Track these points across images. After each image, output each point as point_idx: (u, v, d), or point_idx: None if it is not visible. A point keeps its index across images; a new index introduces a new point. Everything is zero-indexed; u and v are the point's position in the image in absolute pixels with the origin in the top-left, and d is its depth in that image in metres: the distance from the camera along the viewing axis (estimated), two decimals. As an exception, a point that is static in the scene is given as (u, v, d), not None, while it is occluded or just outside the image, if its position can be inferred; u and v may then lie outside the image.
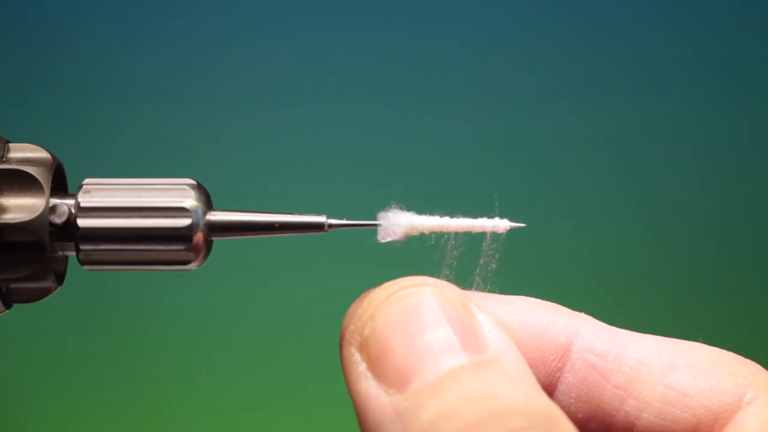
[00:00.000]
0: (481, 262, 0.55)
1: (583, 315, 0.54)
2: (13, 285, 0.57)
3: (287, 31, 1.73)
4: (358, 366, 0.45)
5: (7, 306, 0.58)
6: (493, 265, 0.55)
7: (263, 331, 1.71)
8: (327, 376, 1.70)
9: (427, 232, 0.58)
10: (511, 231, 0.57)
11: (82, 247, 0.56)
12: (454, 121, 1.72)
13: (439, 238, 0.57)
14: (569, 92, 1.73)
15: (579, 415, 0.52)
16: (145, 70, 1.72)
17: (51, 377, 1.69)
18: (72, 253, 0.57)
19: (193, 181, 0.58)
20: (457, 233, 0.56)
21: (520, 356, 0.46)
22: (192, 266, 0.57)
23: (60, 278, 0.58)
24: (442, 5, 1.74)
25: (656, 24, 1.74)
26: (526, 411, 0.41)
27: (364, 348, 0.45)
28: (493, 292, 0.54)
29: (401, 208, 0.58)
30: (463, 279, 0.55)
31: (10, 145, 0.58)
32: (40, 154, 0.58)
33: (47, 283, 0.57)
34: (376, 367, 0.44)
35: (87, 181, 0.57)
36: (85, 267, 0.57)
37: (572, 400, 0.52)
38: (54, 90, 1.71)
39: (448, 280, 0.53)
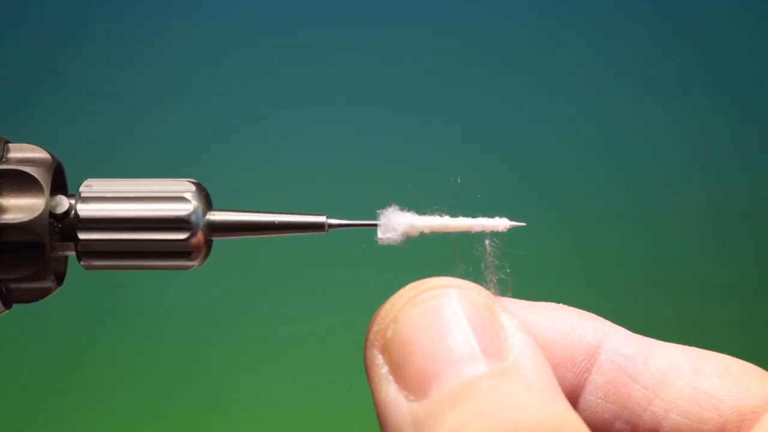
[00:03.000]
0: (489, 260, 0.55)
1: (610, 323, 0.55)
2: (13, 285, 0.57)
3: (287, 31, 1.73)
4: (380, 369, 0.45)
5: (7, 306, 0.58)
6: (496, 264, 0.55)
7: (263, 331, 1.71)
8: (327, 375, 1.70)
9: (427, 231, 0.58)
10: (511, 230, 0.57)
11: (81, 237, 0.56)
12: (454, 121, 1.72)
13: (444, 238, 0.57)
14: (569, 91, 1.73)
15: (606, 416, 0.52)
16: (145, 70, 1.72)
17: (51, 377, 1.69)
18: (72, 253, 0.57)
19: (192, 181, 0.58)
20: (491, 237, 0.55)
21: (542, 361, 0.46)
22: (192, 266, 0.57)
23: (60, 278, 0.58)
24: (441, 5, 1.74)
25: (655, 23, 1.74)
26: (541, 427, 0.41)
27: (386, 351, 0.45)
28: (505, 290, 0.54)
29: (401, 208, 0.58)
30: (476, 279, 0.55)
31: (10, 145, 0.58)
32: (40, 154, 0.58)
33: (47, 283, 0.57)
34: (397, 371, 0.44)
35: (86, 183, 0.57)
36: (83, 263, 0.57)
37: (599, 400, 0.52)
38: (54, 90, 1.71)
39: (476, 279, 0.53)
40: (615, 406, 0.52)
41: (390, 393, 0.44)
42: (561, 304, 0.54)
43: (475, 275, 0.54)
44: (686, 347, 0.54)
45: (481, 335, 0.45)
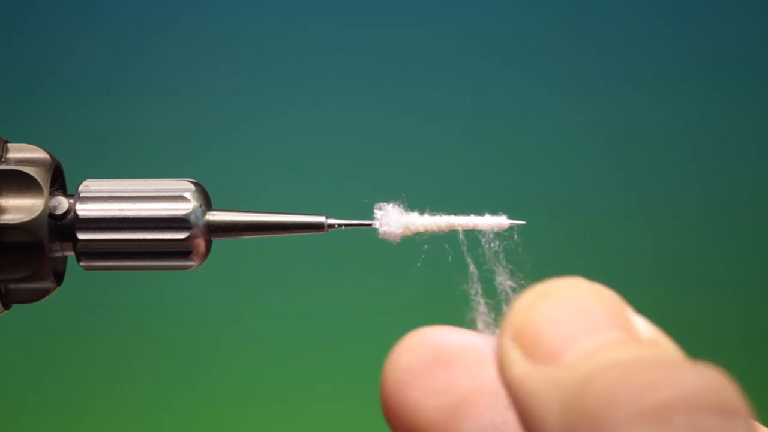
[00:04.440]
0: (500, 261, 0.54)
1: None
2: (11, 285, 0.57)
3: (287, 31, 1.73)
4: (512, 353, 0.43)
5: (6, 307, 0.58)
6: (505, 264, 0.54)
7: (263, 331, 1.71)
8: (327, 375, 1.70)
9: (425, 230, 0.57)
10: (510, 228, 0.57)
11: (80, 237, 0.56)
12: (453, 121, 1.72)
13: (444, 238, 0.57)
14: (568, 90, 1.73)
15: None
16: (145, 70, 1.72)
17: (50, 377, 1.69)
18: (71, 253, 0.57)
19: (192, 181, 0.58)
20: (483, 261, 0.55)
21: (676, 347, 0.44)
22: (191, 266, 0.57)
23: (59, 279, 0.58)
24: (440, 5, 1.74)
25: (654, 21, 1.73)
26: (695, 367, 0.38)
27: (518, 337, 0.43)
28: (520, 284, 0.54)
29: (400, 206, 0.58)
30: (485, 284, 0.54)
31: (9, 145, 0.58)
32: (39, 154, 0.57)
33: (46, 284, 0.57)
34: (531, 350, 0.42)
35: (85, 184, 0.57)
36: (82, 264, 0.57)
37: None
38: (54, 90, 1.71)
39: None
40: None
41: (524, 370, 0.42)
42: None
43: (476, 275, 0.54)
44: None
45: (614, 317, 0.43)
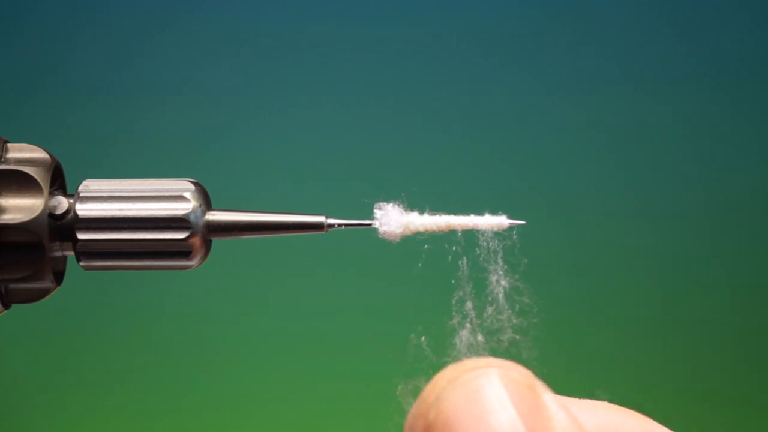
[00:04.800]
0: (492, 258, 0.54)
1: (653, 422, 0.54)
2: (12, 285, 0.57)
3: (287, 31, 1.73)
4: None
5: (6, 306, 0.58)
6: (501, 259, 0.54)
7: (263, 331, 1.71)
8: (327, 375, 1.70)
9: (425, 230, 0.57)
10: (509, 228, 0.57)
11: (80, 237, 0.56)
12: (453, 121, 1.72)
13: (443, 238, 0.57)
14: (567, 90, 1.73)
15: None
16: (144, 70, 1.72)
17: (51, 377, 1.69)
18: (71, 253, 0.57)
19: (192, 181, 0.58)
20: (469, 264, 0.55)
21: None
22: (191, 266, 0.57)
23: (59, 278, 0.58)
24: (440, 5, 1.74)
25: (654, 21, 1.74)
26: None
27: None
28: (515, 284, 0.53)
29: (400, 206, 0.58)
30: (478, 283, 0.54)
31: (9, 145, 0.58)
32: (39, 154, 0.57)
33: (46, 284, 0.57)
34: None
35: (84, 184, 0.57)
36: (82, 264, 0.57)
37: None
38: (53, 90, 1.71)
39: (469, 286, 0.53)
40: None
41: None
42: (607, 403, 0.53)
43: (476, 274, 0.54)
44: None
45: (526, 415, 0.43)
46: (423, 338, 0.51)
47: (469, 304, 0.53)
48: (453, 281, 0.54)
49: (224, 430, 1.71)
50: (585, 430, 0.45)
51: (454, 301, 0.53)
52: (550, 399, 0.45)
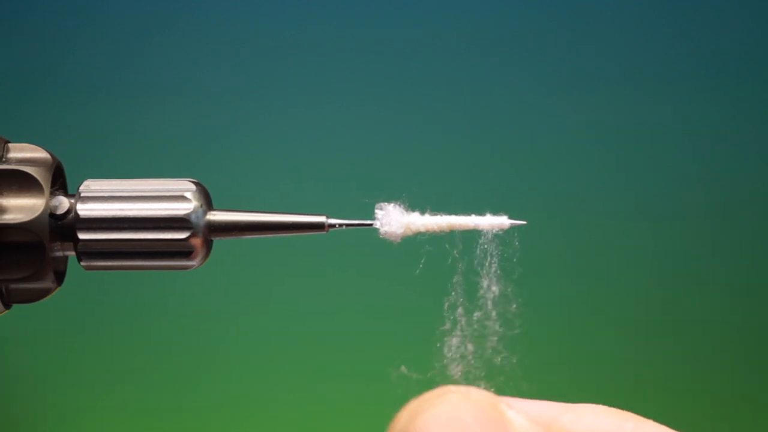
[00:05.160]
0: (486, 262, 0.54)
1: (651, 422, 0.54)
2: (12, 285, 0.57)
3: (287, 31, 1.73)
4: None
5: (7, 306, 0.58)
6: (495, 264, 0.54)
7: (263, 331, 1.71)
8: (327, 375, 1.70)
9: (426, 230, 0.57)
10: (511, 229, 0.57)
11: (81, 237, 0.56)
12: (453, 121, 1.72)
13: (443, 237, 0.57)
14: (567, 90, 1.73)
15: None
16: (145, 70, 1.72)
17: (51, 377, 1.69)
18: (72, 253, 0.57)
19: (192, 181, 0.58)
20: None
21: None
22: (192, 266, 0.57)
23: (60, 278, 0.58)
24: (440, 5, 1.74)
25: (653, 20, 1.74)
26: None
27: None
28: (506, 291, 0.54)
29: (400, 206, 0.58)
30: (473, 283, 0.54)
31: (10, 145, 0.58)
32: (40, 154, 0.57)
33: (47, 284, 0.57)
34: None
35: (85, 184, 0.57)
36: (83, 264, 0.57)
37: None
38: (54, 90, 1.71)
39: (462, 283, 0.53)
40: None
41: None
42: (599, 406, 0.54)
43: (474, 278, 0.54)
44: None
45: (488, 427, 0.45)
46: (403, 367, 0.52)
47: (459, 311, 0.53)
48: (449, 286, 0.54)
49: (224, 430, 1.71)
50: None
51: (445, 307, 0.53)
52: (513, 414, 0.46)
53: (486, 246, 0.55)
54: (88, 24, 1.72)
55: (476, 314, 0.54)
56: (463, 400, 0.46)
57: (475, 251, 0.55)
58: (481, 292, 0.54)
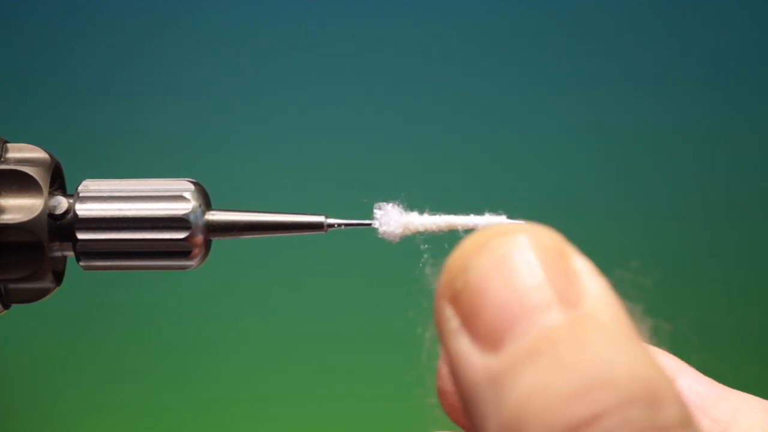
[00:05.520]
0: None
1: (683, 363, 0.54)
2: (11, 285, 0.57)
3: (287, 31, 1.73)
4: (451, 322, 0.42)
5: (6, 306, 0.58)
6: None
7: (263, 331, 1.71)
8: (327, 374, 1.70)
9: (425, 230, 0.57)
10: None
11: (80, 237, 0.56)
12: (453, 121, 1.72)
13: (443, 237, 0.57)
14: (566, 89, 1.73)
15: None
16: (144, 70, 1.72)
17: (51, 377, 1.69)
18: (70, 253, 0.57)
19: (191, 181, 0.58)
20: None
21: (618, 305, 0.44)
22: (191, 266, 0.57)
23: (59, 278, 0.58)
24: (441, 5, 1.74)
25: (651, 19, 1.74)
26: (626, 380, 0.39)
27: (456, 302, 0.43)
28: None
29: (399, 206, 0.58)
30: None
31: (9, 145, 0.58)
32: (39, 154, 0.57)
33: (46, 284, 0.57)
34: (469, 323, 0.42)
35: (84, 184, 0.57)
36: (82, 264, 0.57)
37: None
38: (53, 90, 1.71)
39: None
40: None
41: (462, 347, 0.42)
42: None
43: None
44: (750, 397, 0.54)
45: (556, 281, 0.43)
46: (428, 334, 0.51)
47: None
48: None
49: (224, 430, 1.71)
50: (615, 296, 0.44)
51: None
52: (581, 264, 0.45)
53: None
54: (88, 24, 1.72)
55: None
56: (531, 242, 0.44)
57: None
58: None
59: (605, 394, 0.39)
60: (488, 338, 0.41)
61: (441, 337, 0.43)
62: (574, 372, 0.40)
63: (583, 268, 0.45)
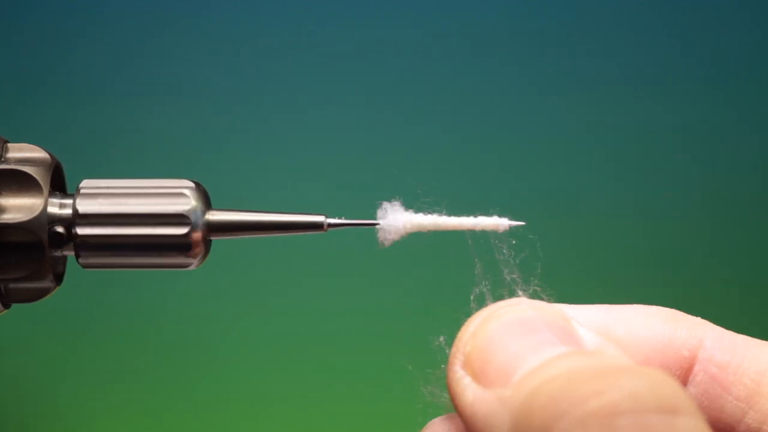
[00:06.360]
0: (508, 278, 0.54)
1: (701, 321, 0.54)
2: (11, 285, 0.57)
3: (287, 31, 1.73)
4: (463, 380, 0.45)
5: (6, 306, 0.58)
6: (512, 264, 0.54)
7: (262, 331, 1.71)
8: (327, 374, 1.70)
9: (426, 230, 0.57)
10: (511, 229, 0.57)
11: (80, 233, 0.56)
12: (453, 120, 1.72)
13: (443, 237, 0.57)
14: (567, 90, 1.73)
15: None
16: (144, 70, 1.72)
17: (51, 377, 1.69)
18: (71, 253, 0.57)
19: (191, 181, 0.58)
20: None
21: (622, 353, 0.46)
22: (191, 266, 0.57)
23: (59, 278, 0.58)
24: (441, 5, 1.74)
25: (651, 20, 1.74)
26: (637, 370, 0.40)
27: (467, 364, 0.45)
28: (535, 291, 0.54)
29: (401, 206, 0.58)
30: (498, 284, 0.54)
31: (9, 145, 0.58)
32: (39, 154, 0.57)
33: (46, 283, 0.57)
34: (480, 376, 0.44)
35: (85, 182, 0.57)
36: (82, 262, 0.57)
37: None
38: (53, 90, 1.71)
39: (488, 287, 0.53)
40: (709, 418, 0.51)
41: (476, 394, 0.43)
42: (648, 307, 0.54)
43: (481, 274, 0.54)
44: None
45: (560, 333, 0.45)
46: (442, 338, 0.52)
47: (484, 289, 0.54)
48: (448, 285, 0.54)
49: (224, 430, 1.71)
50: (612, 343, 0.46)
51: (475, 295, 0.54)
52: (585, 331, 0.46)
53: (499, 242, 0.56)
54: (88, 24, 1.72)
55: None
56: (535, 309, 0.46)
57: (484, 254, 0.55)
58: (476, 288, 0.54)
59: (615, 379, 0.40)
60: (498, 379, 0.43)
61: (454, 399, 0.45)
62: (583, 370, 0.41)
63: (586, 333, 0.46)
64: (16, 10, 1.70)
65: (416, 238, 0.58)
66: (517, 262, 0.54)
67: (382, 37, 1.73)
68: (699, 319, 0.54)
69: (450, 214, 0.57)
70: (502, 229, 0.57)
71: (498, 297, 0.52)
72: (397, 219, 0.57)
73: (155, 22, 1.72)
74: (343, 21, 1.74)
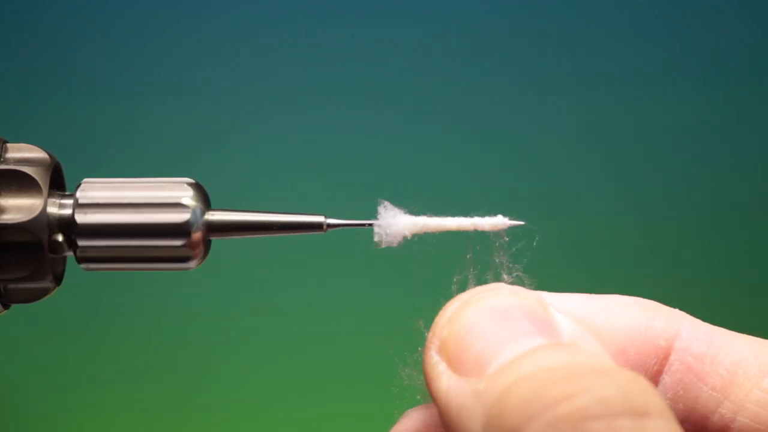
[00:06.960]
0: (496, 261, 0.54)
1: (679, 312, 0.54)
2: (11, 285, 0.57)
3: (287, 31, 1.73)
4: (438, 366, 0.45)
5: (6, 306, 0.58)
6: (510, 264, 0.54)
7: (262, 331, 1.71)
8: (326, 374, 1.70)
9: (426, 230, 0.57)
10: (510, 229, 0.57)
11: (80, 243, 0.56)
12: (453, 121, 1.72)
13: (443, 238, 0.57)
14: (566, 90, 1.73)
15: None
16: (144, 70, 1.72)
17: (51, 377, 1.69)
18: (70, 253, 0.57)
19: (191, 181, 0.58)
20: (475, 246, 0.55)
21: (598, 344, 0.46)
22: (190, 266, 0.57)
23: (58, 278, 0.58)
24: (441, 5, 1.74)
25: (651, 20, 1.73)
26: (608, 372, 0.40)
27: (443, 350, 0.45)
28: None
29: (400, 207, 0.57)
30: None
31: (8, 145, 0.58)
32: (38, 154, 0.57)
33: (45, 284, 0.57)
34: (455, 363, 0.44)
35: (85, 180, 0.57)
36: (83, 266, 0.57)
37: (668, 401, 0.52)
38: (53, 90, 1.71)
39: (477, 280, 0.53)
40: (684, 407, 0.52)
41: (451, 383, 0.43)
42: (625, 297, 0.54)
43: (478, 275, 0.54)
44: (757, 340, 0.53)
45: (537, 322, 0.45)
46: (421, 321, 0.52)
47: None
48: (448, 285, 0.54)
49: (224, 430, 1.71)
50: (594, 338, 0.46)
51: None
52: (557, 312, 0.46)
53: (498, 241, 0.56)
54: (88, 24, 1.72)
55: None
56: (514, 295, 0.46)
57: (478, 252, 0.55)
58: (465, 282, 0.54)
59: (587, 380, 0.40)
60: (473, 369, 0.43)
61: (429, 384, 0.45)
62: (557, 369, 0.41)
63: (564, 321, 0.46)
64: (16, 10, 1.70)
65: (416, 238, 0.58)
66: (513, 251, 0.54)
67: (382, 37, 1.73)
68: (676, 310, 0.55)
69: (450, 214, 0.57)
70: (502, 228, 0.57)
71: (482, 283, 0.52)
72: (395, 220, 0.57)
73: (155, 22, 1.72)
74: (343, 21, 1.74)
